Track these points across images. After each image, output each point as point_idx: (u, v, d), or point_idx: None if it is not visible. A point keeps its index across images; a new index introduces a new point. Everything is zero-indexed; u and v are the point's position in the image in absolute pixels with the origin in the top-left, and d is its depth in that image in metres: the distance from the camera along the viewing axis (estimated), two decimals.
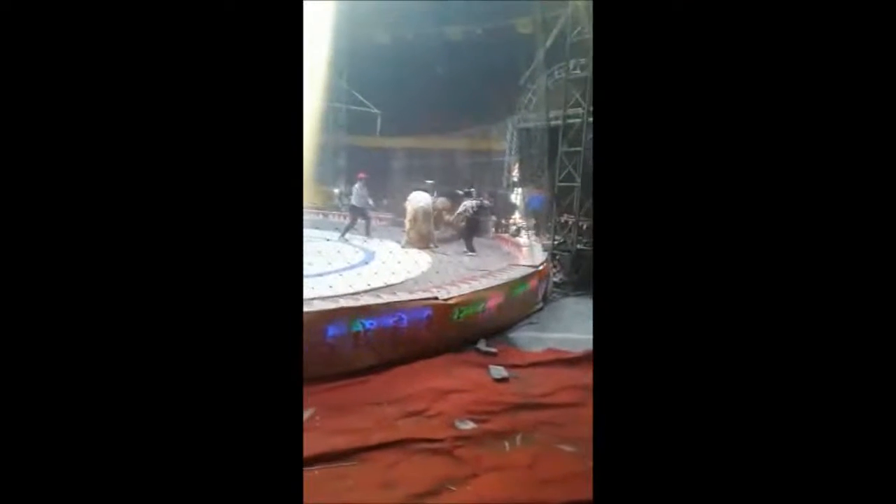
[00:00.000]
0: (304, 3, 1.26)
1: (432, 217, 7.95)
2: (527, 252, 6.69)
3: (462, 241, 7.69)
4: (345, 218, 9.16)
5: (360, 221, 8.38)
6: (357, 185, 8.34)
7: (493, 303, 4.35)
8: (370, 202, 8.47)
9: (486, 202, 9.08)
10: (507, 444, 2.62)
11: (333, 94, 12.21)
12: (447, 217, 8.79)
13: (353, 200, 8.34)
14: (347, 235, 8.06)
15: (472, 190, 8.95)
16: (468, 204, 7.85)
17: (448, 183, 10.70)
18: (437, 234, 8.10)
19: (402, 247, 7.49)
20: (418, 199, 7.83)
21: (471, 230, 7.68)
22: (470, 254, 7.25)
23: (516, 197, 10.69)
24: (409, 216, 7.80)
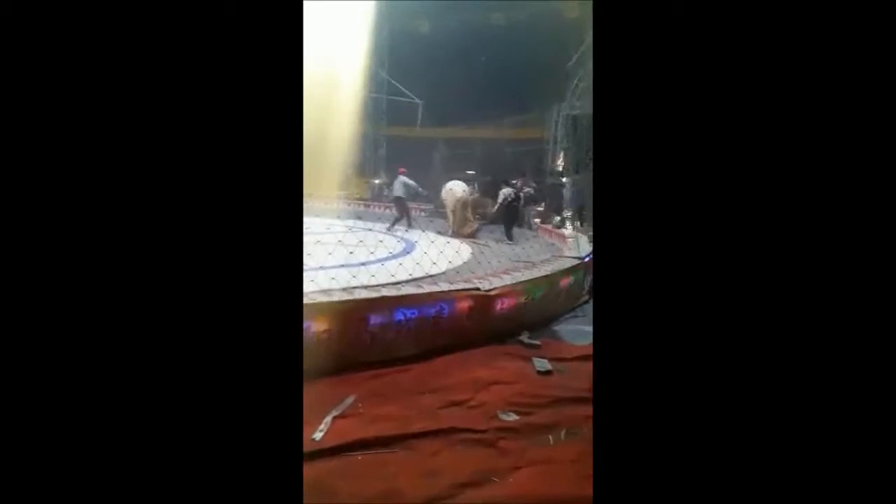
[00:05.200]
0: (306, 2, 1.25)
1: (469, 205, 7.97)
2: (571, 243, 6.52)
3: (502, 228, 7.68)
4: (387, 209, 9.27)
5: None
6: (401, 178, 8.40)
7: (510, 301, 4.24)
8: (420, 191, 8.49)
9: (528, 190, 8.98)
10: (551, 437, 2.55)
11: (374, 84, 12.28)
12: (479, 209, 8.78)
13: (396, 192, 8.39)
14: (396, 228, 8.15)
15: (522, 180, 8.88)
16: (506, 192, 7.80)
17: (491, 173, 10.59)
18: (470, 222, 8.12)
19: (450, 235, 7.57)
20: (459, 191, 7.83)
21: (510, 218, 7.62)
22: (508, 242, 7.20)
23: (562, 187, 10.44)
24: (449, 206, 7.83)
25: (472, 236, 7.67)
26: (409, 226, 8.27)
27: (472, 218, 8.03)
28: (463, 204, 7.95)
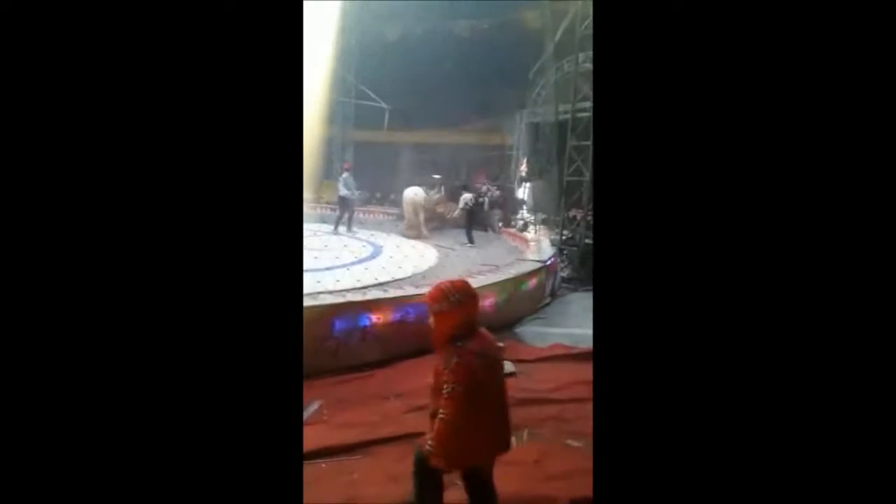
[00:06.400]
0: (305, 1, 1.26)
1: (423, 210, 8.40)
2: (534, 247, 6.66)
3: (464, 231, 7.91)
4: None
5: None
6: (344, 176, 8.35)
7: (489, 301, 4.32)
8: (356, 193, 8.51)
9: (493, 194, 9.23)
10: (513, 439, 2.60)
11: (341, 88, 12.16)
12: (440, 210, 9.18)
13: (341, 191, 8.30)
14: (341, 228, 8.09)
15: (487, 185, 9.16)
16: (467, 196, 8.08)
17: (456, 177, 10.68)
18: (431, 225, 8.55)
19: (411, 237, 7.89)
20: (411, 194, 8.33)
21: (470, 222, 7.89)
22: (469, 245, 7.34)
23: (524, 192, 10.64)
24: (408, 210, 8.29)
25: (419, 237, 8.07)
26: (349, 227, 8.21)
27: (423, 221, 8.38)
28: (421, 208, 8.33)
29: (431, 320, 1.49)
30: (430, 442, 1.47)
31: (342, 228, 8.10)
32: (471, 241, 7.68)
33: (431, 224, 8.57)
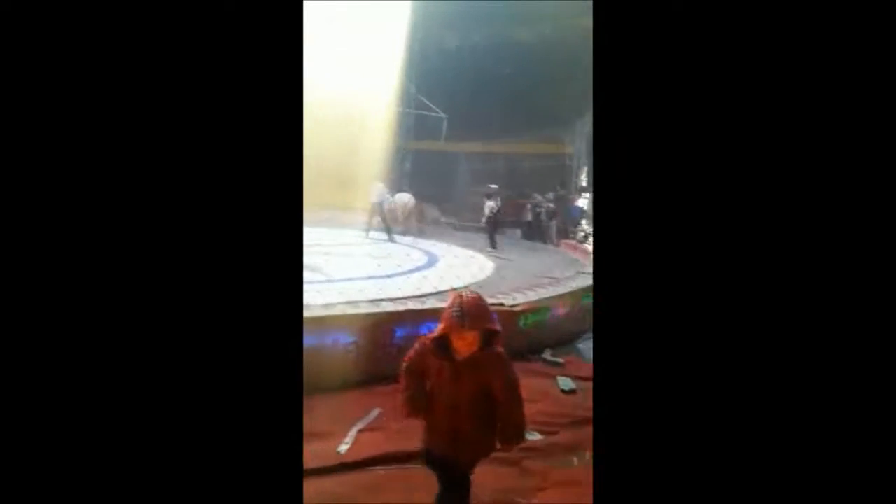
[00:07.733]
0: (325, 2, 1.25)
1: (408, 209, 9.49)
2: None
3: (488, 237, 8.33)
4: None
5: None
6: (380, 184, 8.66)
7: (559, 311, 4.24)
8: (388, 199, 8.92)
9: (549, 207, 9.26)
10: (575, 459, 2.53)
11: (402, 98, 12.45)
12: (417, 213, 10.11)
13: (374, 197, 8.51)
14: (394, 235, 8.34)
15: (547, 195, 9.57)
16: (490, 204, 8.51)
17: (513, 187, 10.62)
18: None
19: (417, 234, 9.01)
20: (399, 198, 9.56)
21: (493, 228, 8.40)
22: (490, 250, 7.67)
23: (585, 202, 10.39)
24: (399, 212, 9.32)
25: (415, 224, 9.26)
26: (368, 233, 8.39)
27: (404, 221, 9.29)
28: (410, 210, 9.44)
29: (472, 334, 1.61)
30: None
31: (372, 233, 8.34)
32: (492, 245, 7.99)
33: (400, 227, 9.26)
